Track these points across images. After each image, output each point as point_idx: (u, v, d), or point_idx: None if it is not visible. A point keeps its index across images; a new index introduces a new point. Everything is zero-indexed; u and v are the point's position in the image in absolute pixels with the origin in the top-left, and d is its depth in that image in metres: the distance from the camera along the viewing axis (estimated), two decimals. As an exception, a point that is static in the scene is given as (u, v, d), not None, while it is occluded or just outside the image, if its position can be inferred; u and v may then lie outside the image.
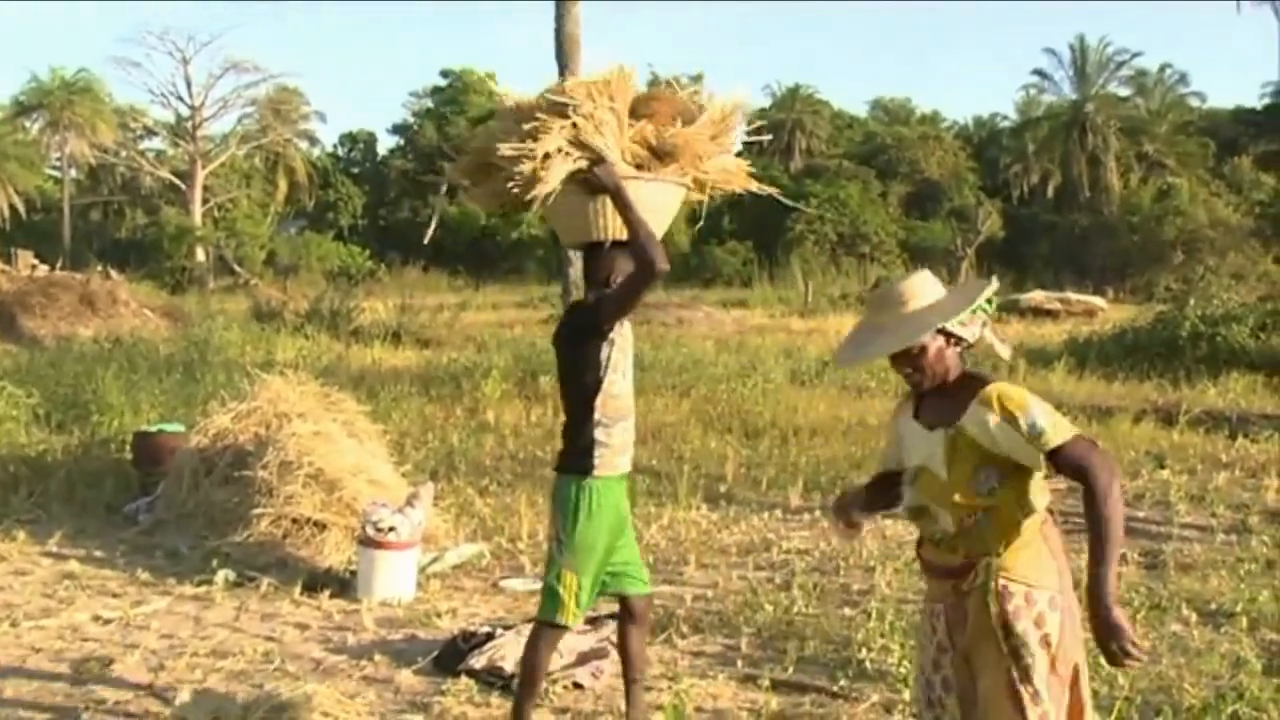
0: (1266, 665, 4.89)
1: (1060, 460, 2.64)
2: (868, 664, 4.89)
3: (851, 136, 57.02)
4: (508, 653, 4.82)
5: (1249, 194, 43.32)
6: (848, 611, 5.66)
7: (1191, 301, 17.64)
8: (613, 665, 4.92)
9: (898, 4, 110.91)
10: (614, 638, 5.20)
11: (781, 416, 11.52)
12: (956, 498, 2.73)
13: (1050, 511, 2.83)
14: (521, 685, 4.06)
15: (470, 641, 5.01)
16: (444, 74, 54.70)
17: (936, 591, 2.87)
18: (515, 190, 3.84)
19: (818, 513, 7.94)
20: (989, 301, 2.83)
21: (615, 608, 5.68)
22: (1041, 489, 2.77)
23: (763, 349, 17.72)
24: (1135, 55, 50.14)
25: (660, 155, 4.00)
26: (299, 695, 3.73)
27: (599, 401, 3.91)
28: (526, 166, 3.75)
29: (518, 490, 8.41)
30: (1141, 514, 7.97)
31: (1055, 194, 47.83)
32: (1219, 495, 8.37)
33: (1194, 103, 52.18)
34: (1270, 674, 4.78)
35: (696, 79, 50.78)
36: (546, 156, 3.75)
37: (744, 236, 46.82)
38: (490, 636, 5.01)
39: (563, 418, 4.10)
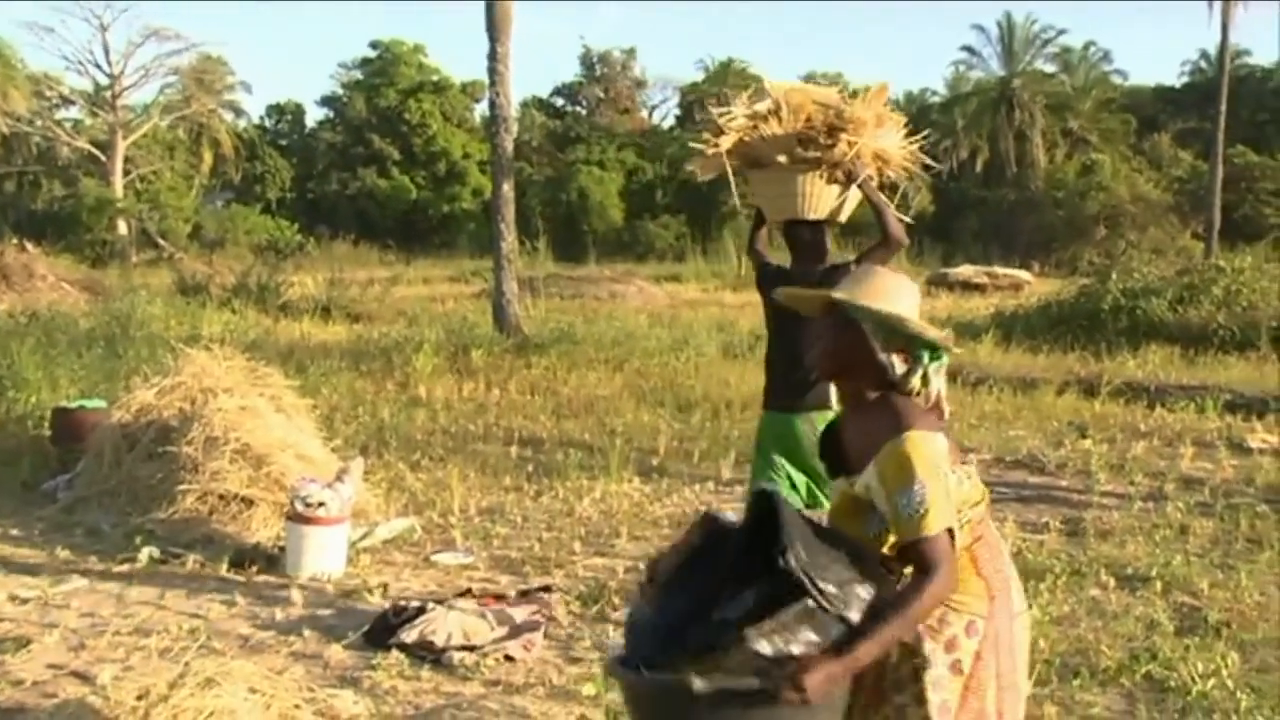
0: (1178, 627, 5.05)
1: (913, 549, 2.36)
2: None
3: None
4: (438, 626, 4.81)
5: (1168, 170, 44.24)
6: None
7: (1113, 275, 18.01)
8: (544, 638, 4.93)
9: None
10: (546, 611, 5.22)
11: (714, 390, 11.59)
12: (850, 526, 2.53)
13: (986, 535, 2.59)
14: None
15: (401, 616, 4.98)
16: (373, 45, 53.79)
17: None
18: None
19: (749, 485, 8.00)
20: (934, 355, 2.54)
21: (549, 581, 5.73)
22: (969, 511, 2.52)
23: (696, 323, 17.77)
24: (1061, 33, 50.83)
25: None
26: (225, 672, 3.69)
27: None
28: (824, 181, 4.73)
29: (449, 464, 8.36)
30: (1064, 483, 8.17)
31: (984, 169, 48.47)
32: (1137, 463, 8.59)
33: (1116, 80, 53.11)
34: (1181, 635, 4.94)
35: (629, 53, 49.91)
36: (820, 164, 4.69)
37: (678, 211, 46.82)
38: (421, 610, 4.99)
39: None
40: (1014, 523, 6.83)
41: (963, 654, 2.43)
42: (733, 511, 2.55)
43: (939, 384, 2.54)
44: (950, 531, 2.36)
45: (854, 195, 4.88)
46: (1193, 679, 4.38)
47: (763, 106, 4.88)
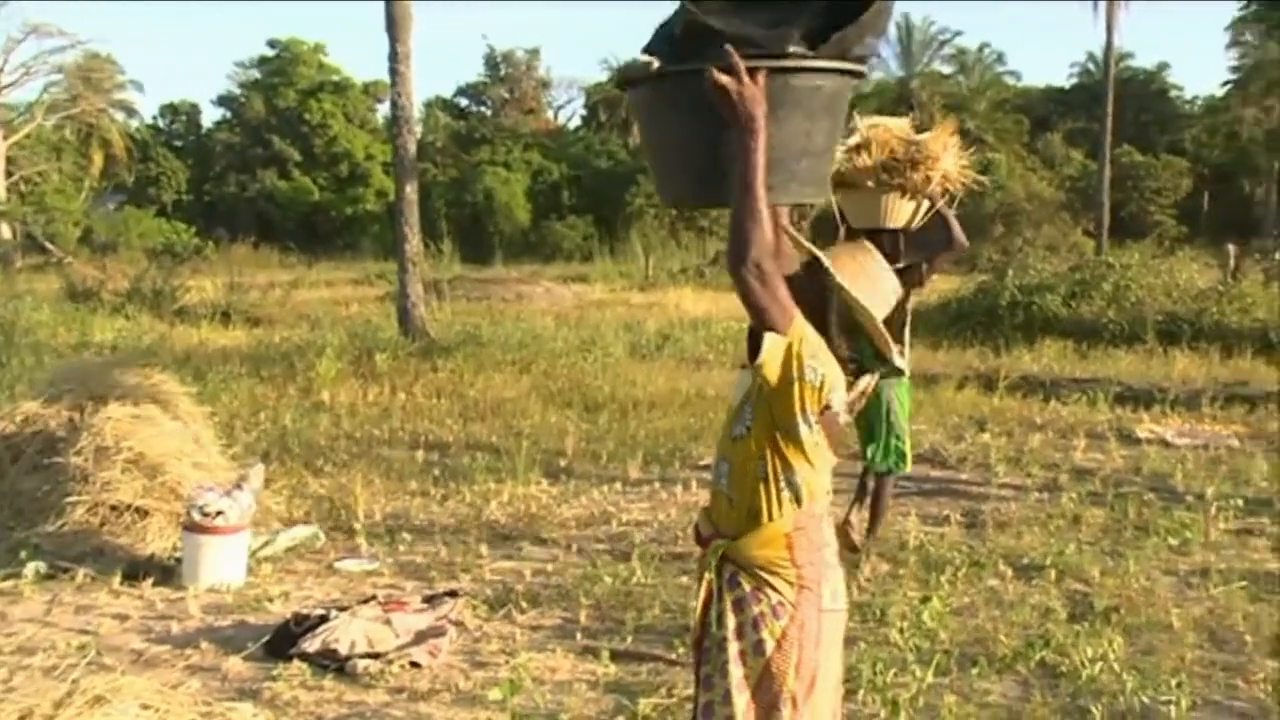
0: (1070, 613, 5.21)
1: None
2: (703, 629, 4.97)
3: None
4: (342, 634, 4.73)
5: (1060, 169, 45.51)
6: (686, 580, 5.74)
7: (1010, 272, 18.47)
8: (450, 643, 4.89)
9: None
10: (452, 616, 5.17)
11: (621, 390, 11.60)
12: (722, 438, 2.58)
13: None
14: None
15: (303, 624, 4.89)
16: (271, 44, 52.73)
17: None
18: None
19: (657, 484, 8.04)
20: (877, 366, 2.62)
21: (455, 585, 5.67)
22: (808, 476, 2.49)
23: (603, 323, 17.78)
24: (956, 34, 52.05)
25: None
26: (115, 688, 3.57)
27: (908, 328, 5.94)
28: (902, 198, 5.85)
29: (353, 470, 8.23)
30: (964, 476, 8.35)
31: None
32: (1033, 456, 8.82)
33: (1010, 81, 54.52)
34: (1073, 621, 5.09)
35: (533, 53, 49.74)
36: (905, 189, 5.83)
37: (584, 211, 46.79)
38: (324, 619, 4.90)
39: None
40: (916, 516, 6.96)
41: (765, 635, 2.46)
42: None
43: (864, 382, 2.60)
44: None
45: (923, 208, 5.97)
46: (1083, 664, 4.51)
47: (854, 140, 5.90)
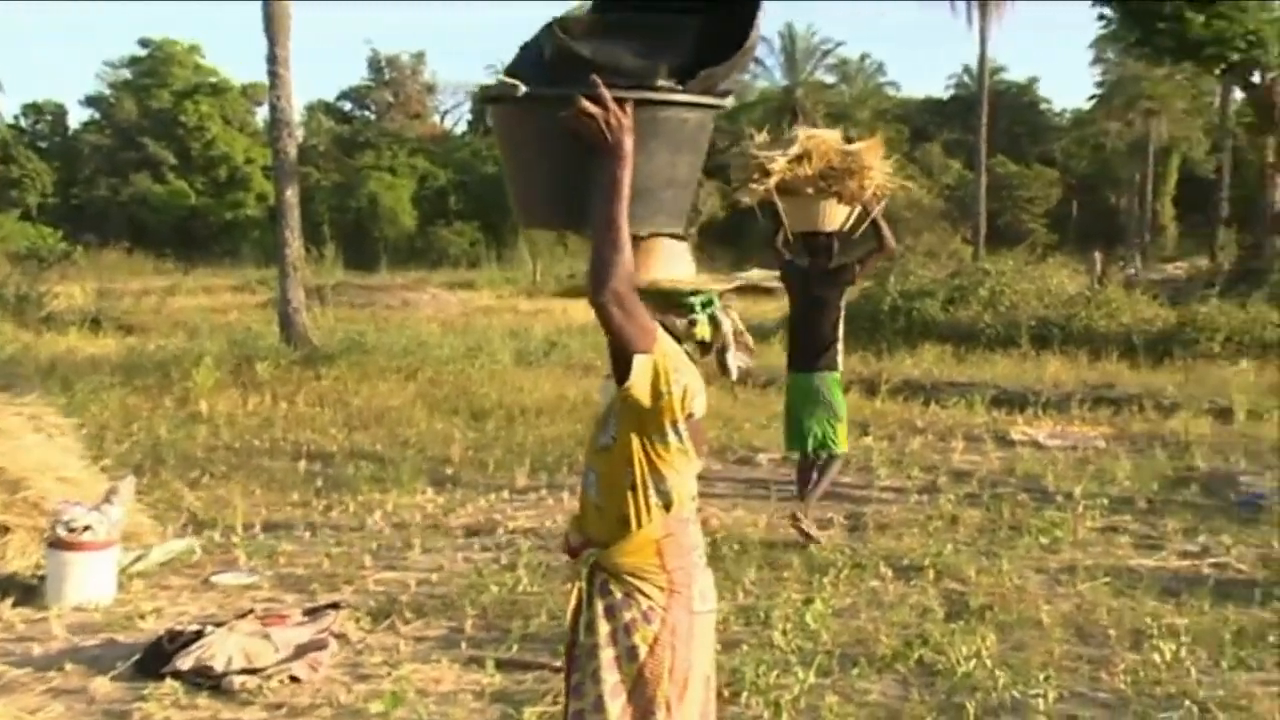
0: (948, 612, 5.35)
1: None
2: (589, 637, 4.97)
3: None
4: (217, 651, 4.59)
5: (939, 178, 46.81)
6: (570, 587, 5.73)
7: (891, 278, 18.89)
8: (331, 657, 4.79)
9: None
10: (334, 628, 5.07)
11: (508, 397, 11.54)
12: (589, 447, 2.59)
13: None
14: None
15: (176, 642, 4.72)
16: (143, 44, 51.12)
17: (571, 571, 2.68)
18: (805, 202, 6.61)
19: (544, 492, 8.01)
20: (704, 303, 2.57)
21: (337, 597, 5.56)
22: (676, 482, 2.50)
23: (490, 330, 17.66)
24: (839, 44, 53.32)
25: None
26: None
27: (842, 323, 6.66)
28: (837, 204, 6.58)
29: (232, 481, 8.03)
30: (847, 479, 8.49)
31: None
32: (913, 458, 9.05)
33: (890, 91, 55.88)
34: (950, 620, 5.23)
35: (418, 57, 49.14)
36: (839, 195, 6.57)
37: (471, 217, 46.43)
38: (199, 635, 4.75)
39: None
40: (800, 519, 7.05)
41: (638, 640, 2.47)
42: None
43: (729, 324, 2.58)
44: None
45: (856, 213, 6.63)
46: (958, 661, 4.63)
47: (794, 151, 6.48)
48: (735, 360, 2.61)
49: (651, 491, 2.48)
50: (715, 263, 36.22)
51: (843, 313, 6.73)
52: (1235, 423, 10.35)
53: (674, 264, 2.57)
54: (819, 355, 6.65)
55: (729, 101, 2.55)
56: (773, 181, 6.55)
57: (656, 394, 2.42)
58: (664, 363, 2.42)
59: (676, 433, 2.48)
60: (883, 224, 6.66)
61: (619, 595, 2.49)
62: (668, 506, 2.50)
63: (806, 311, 6.74)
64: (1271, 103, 18.07)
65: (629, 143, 2.27)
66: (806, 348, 6.71)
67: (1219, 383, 12.31)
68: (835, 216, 6.60)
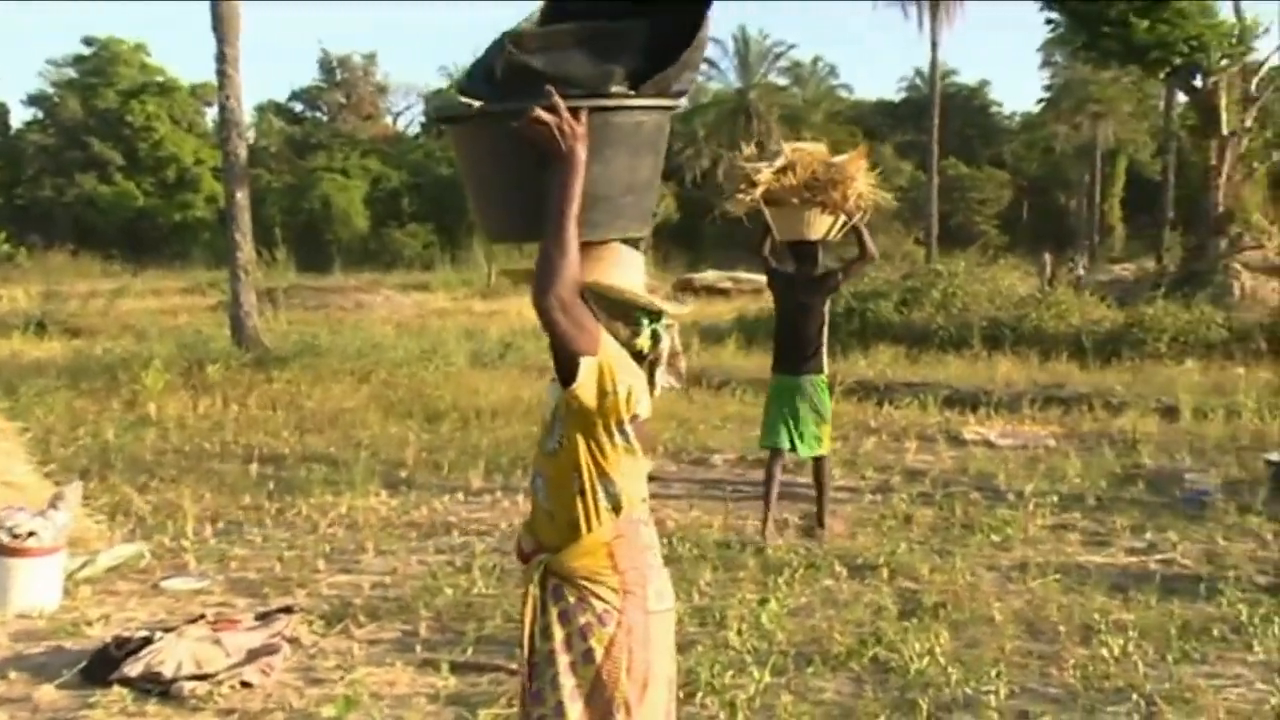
0: (902, 610, 5.39)
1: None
2: (545, 638, 4.95)
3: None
4: (167, 656, 4.53)
5: (891, 180, 47.25)
6: (527, 588, 5.72)
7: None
8: (284, 661, 4.74)
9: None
10: (287, 632, 5.02)
11: (462, 399, 11.48)
12: (536, 452, 2.62)
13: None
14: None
15: (124, 648, 4.66)
16: (87, 42, 50.34)
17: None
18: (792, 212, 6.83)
19: (499, 493, 7.98)
20: (653, 319, 2.57)
21: (290, 601, 5.51)
22: (625, 484, 2.51)
23: (444, 332, 17.57)
24: (791, 47, 53.69)
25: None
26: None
27: (826, 328, 6.93)
28: (822, 214, 6.78)
29: (182, 486, 7.93)
30: (802, 480, 8.53)
31: (725, 177, 50.24)
32: (867, 459, 9.12)
33: (843, 94, 56.32)
34: (904, 618, 5.27)
35: (370, 58, 48.89)
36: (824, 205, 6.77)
37: (425, 219, 46.19)
38: (148, 641, 4.69)
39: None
40: (756, 520, 7.06)
41: (594, 643, 2.48)
42: None
43: (668, 343, 2.59)
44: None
45: (839, 222, 6.82)
46: (912, 659, 4.67)
47: (780, 163, 6.80)
48: (663, 379, 2.62)
49: (600, 495, 2.48)
50: (671, 263, 36.36)
51: (827, 318, 6.98)
52: (1181, 421, 10.52)
53: (628, 271, 2.58)
54: (806, 359, 6.90)
55: (683, 102, 2.57)
56: (759, 192, 6.85)
57: (602, 395, 2.43)
58: (609, 364, 2.43)
59: (623, 434, 2.48)
60: (865, 232, 6.86)
61: (573, 600, 2.49)
62: (617, 509, 2.50)
63: (793, 316, 6.96)
64: (1213, 106, 18.40)
65: (582, 151, 2.30)
66: (792, 351, 6.94)
67: (1165, 382, 12.52)
68: (820, 225, 6.83)
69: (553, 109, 2.28)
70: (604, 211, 2.40)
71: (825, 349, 6.98)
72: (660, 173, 2.59)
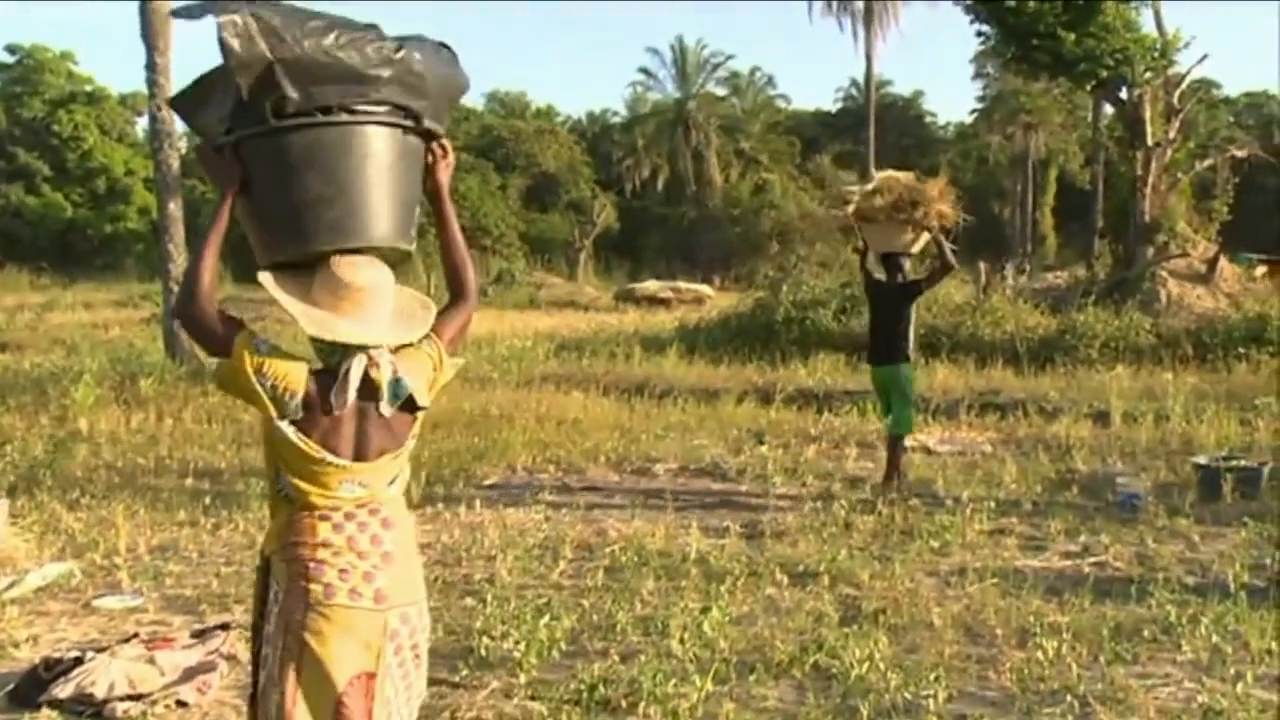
0: (843, 617, 5.43)
1: None
2: (486, 651, 4.93)
3: (469, 129, 57.22)
4: (99, 677, 4.44)
5: (830, 189, 47.77)
6: (469, 602, 5.69)
7: (785, 288, 19.14)
8: (221, 679, 4.67)
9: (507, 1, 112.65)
10: (224, 650, 4.94)
11: (402, 408, 11.35)
12: None
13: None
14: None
15: (54, 669, 4.56)
16: (11, 50, 49.29)
17: None
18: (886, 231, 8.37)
19: (440, 505, 7.92)
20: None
21: (227, 618, 5.42)
22: (298, 479, 2.65)
23: (384, 343, 17.36)
24: (729, 58, 54.10)
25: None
26: None
27: (911, 326, 8.38)
28: (909, 230, 8.29)
29: (114, 502, 7.77)
30: (744, 488, 8.61)
31: (665, 187, 50.44)
32: (808, 466, 9.18)
33: (781, 104, 56.82)
34: (845, 624, 5.31)
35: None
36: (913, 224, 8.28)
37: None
38: (79, 661, 4.59)
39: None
40: (698, 529, 7.07)
41: (273, 621, 2.66)
42: None
43: (358, 370, 2.69)
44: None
45: (923, 237, 8.31)
46: (853, 665, 4.71)
47: (870, 186, 8.34)
48: (384, 408, 2.71)
49: (278, 485, 2.68)
50: (613, 272, 36.35)
51: (912, 317, 8.37)
52: (1112, 426, 10.73)
53: (326, 296, 2.72)
54: (895, 351, 8.25)
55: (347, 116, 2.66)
56: (850, 210, 8.40)
57: (246, 393, 2.63)
58: (246, 365, 2.60)
59: (284, 430, 2.60)
60: (945, 245, 8.14)
61: (272, 579, 2.69)
62: (290, 501, 2.66)
63: (884, 317, 8.35)
64: (1138, 117, 18.78)
65: (227, 179, 2.67)
66: (883, 346, 8.33)
67: (1097, 387, 12.76)
68: (905, 240, 8.22)
69: (205, 152, 2.73)
70: (305, 222, 2.63)
71: (910, 342, 8.36)
72: (376, 184, 2.72)
